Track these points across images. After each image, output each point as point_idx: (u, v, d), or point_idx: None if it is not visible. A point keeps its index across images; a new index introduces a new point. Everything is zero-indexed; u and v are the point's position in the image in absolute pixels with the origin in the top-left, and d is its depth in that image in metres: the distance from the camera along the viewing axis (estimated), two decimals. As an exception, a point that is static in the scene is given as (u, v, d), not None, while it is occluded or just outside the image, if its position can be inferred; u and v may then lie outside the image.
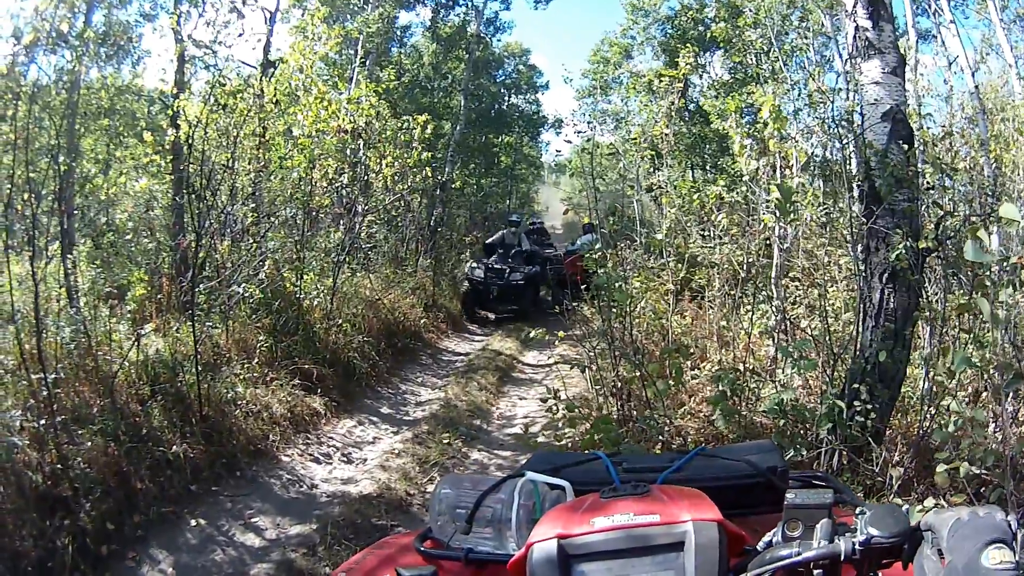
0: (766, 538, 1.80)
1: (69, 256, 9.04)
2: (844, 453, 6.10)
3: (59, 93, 11.65)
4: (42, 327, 6.85)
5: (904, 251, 6.05)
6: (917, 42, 12.95)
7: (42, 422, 6.29)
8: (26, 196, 7.45)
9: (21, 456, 6.00)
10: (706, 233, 12.18)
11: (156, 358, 8.29)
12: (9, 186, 7.42)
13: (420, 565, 2.06)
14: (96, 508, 6.16)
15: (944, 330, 6.80)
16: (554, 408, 8.13)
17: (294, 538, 6.89)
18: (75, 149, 12.79)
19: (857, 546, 1.61)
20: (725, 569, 1.73)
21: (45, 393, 6.52)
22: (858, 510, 1.70)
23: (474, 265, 20.44)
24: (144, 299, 9.40)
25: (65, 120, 10.20)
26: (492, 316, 20.59)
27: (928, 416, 6.11)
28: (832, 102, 8.05)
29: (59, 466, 6.18)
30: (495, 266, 20.01)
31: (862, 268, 6.62)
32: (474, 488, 2.49)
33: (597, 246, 9.45)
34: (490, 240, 22.24)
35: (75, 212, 11.53)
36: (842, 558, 1.62)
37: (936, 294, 7.15)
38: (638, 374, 8.06)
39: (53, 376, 6.74)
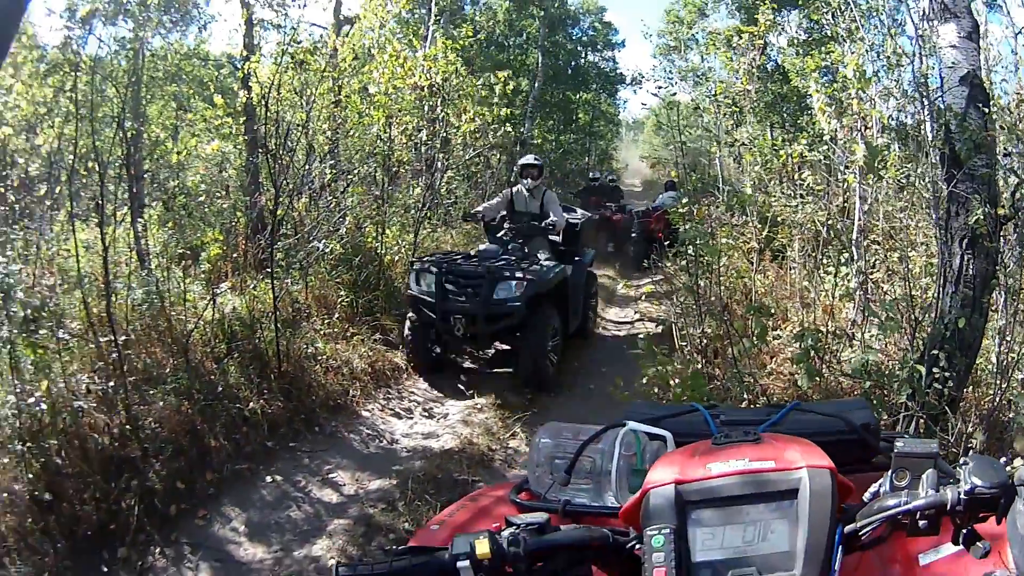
0: (873, 488, 1.79)
1: (140, 220, 9.15)
2: (922, 420, 5.99)
3: (120, 64, 11.75)
4: (111, 290, 6.95)
5: (983, 216, 5.92)
6: (986, 10, 12.61)
7: (111, 384, 6.42)
8: (90, 164, 7.54)
9: (87, 419, 6.13)
10: (788, 192, 12.00)
11: (233, 316, 8.42)
12: (72, 155, 7.49)
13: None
14: (166, 467, 6.28)
15: (1018, 300, 6.65)
16: (643, 365, 8.00)
17: (373, 493, 6.94)
18: (141, 116, 12.91)
19: (962, 496, 1.60)
20: (836, 517, 1.73)
21: (115, 355, 6.64)
22: (961, 460, 1.68)
23: (421, 267, 10.09)
24: (219, 259, 9.48)
25: (129, 88, 10.27)
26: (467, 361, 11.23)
27: (1001, 388, 5.99)
28: (911, 64, 7.88)
29: (128, 427, 6.31)
30: (464, 268, 9.89)
31: (942, 233, 6.48)
32: (574, 437, 2.50)
33: (684, 201, 9.34)
34: (483, 206, 11.98)
35: (144, 177, 11.63)
36: (948, 508, 1.61)
37: (1010, 264, 6.99)
38: (724, 332, 8.02)
39: (123, 338, 6.87)
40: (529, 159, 12.00)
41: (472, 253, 10.85)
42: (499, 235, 11.19)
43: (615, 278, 16.30)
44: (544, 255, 10.86)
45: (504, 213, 11.57)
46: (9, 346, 6.07)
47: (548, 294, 10.14)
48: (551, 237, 11.44)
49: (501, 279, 9.65)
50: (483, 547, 1.70)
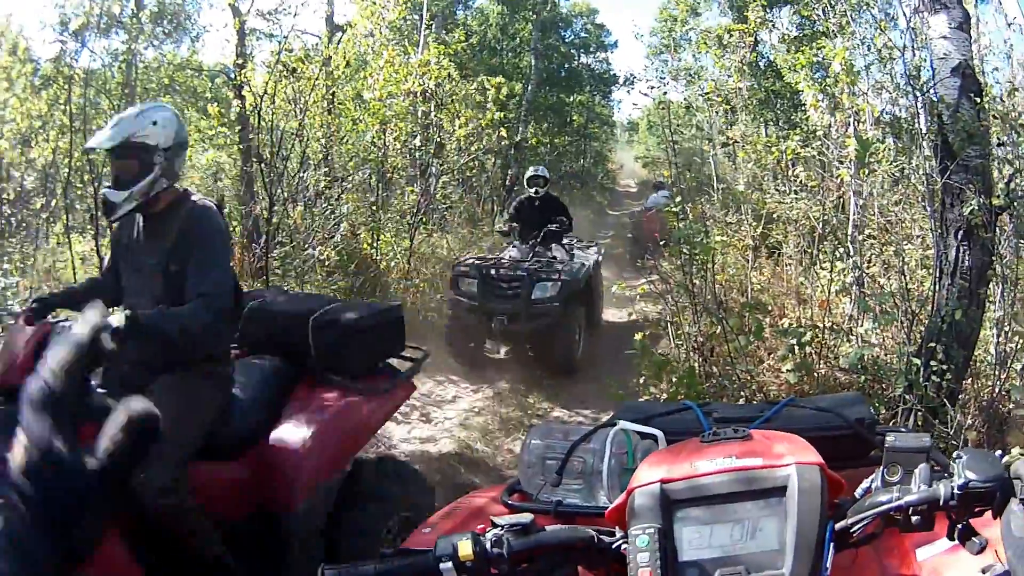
0: (865, 483, 1.80)
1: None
2: (920, 413, 5.97)
3: (113, 76, 11.74)
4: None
5: (977, 207, 5.91)
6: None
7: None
8: (85, 177, 7.53)
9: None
10: (783, 188, 12.00)
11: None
12: (67, 169, 7.48)
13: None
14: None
15: (1015, 291, 6.64)
16: (639, 363, 8.05)
17: (371, 497, 6.86)
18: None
19: (955, 490, 1.60)
20: (826, 514, 1.72)
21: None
22: (955, 454, 1.68)
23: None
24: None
25: (123, 101, 10.24)
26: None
27: (1000, 379, 5.98)
28: (902, 56, 7.88)
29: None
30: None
31: (937, 225, 6.48)
32: (565, 438, 2.52)
33: (678, 199, 9.36)
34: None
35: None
36: (941, 503, 1.61)
37: (1007, 254, 6.98)
38: (720, 329, 8.01)
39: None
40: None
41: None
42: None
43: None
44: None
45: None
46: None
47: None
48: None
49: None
50: (465, 548, 1.69)
